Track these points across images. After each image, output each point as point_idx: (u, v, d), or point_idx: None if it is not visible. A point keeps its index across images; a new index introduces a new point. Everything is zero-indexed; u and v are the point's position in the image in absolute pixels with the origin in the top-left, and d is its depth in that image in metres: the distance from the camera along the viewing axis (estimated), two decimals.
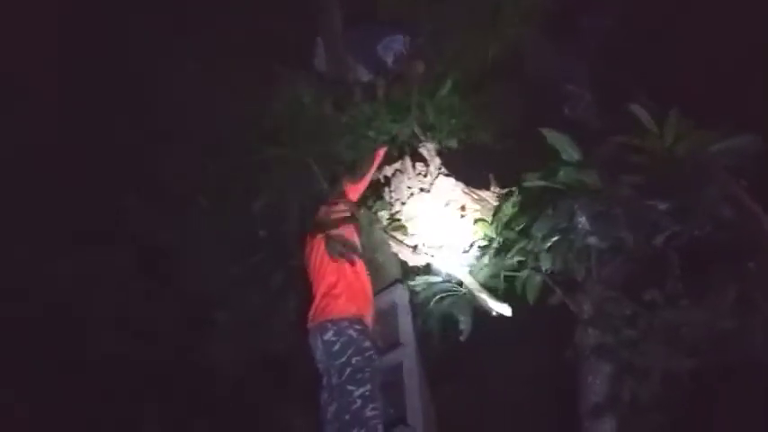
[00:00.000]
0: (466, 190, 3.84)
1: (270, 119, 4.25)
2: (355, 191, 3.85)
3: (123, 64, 5.27)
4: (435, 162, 3.96)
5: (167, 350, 4.44)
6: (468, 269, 3.64)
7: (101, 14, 5.41)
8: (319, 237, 3.55)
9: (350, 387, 3.22)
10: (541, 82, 4.47)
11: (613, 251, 3.19)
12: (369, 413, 3.16)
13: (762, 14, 4.13)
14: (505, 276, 3.57)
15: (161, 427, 4.46)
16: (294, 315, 4.16)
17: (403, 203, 3.87)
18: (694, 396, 3.21)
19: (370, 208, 4.01)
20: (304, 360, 3.59)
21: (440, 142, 4.09)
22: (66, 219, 4.79)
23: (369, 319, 3.52)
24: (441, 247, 3.71)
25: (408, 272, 3.90)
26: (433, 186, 3.85)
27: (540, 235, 3.30)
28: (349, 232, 3.65)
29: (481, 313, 3.58)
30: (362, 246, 3.72)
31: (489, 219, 3.72)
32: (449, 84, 4.08)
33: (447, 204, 3.78)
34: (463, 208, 3.75)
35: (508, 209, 3.63)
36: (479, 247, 3.69)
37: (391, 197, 3.94)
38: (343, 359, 3.28)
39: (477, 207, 3.76)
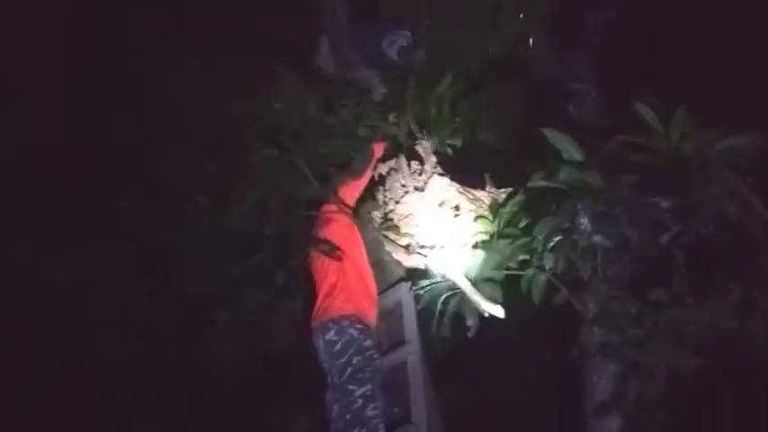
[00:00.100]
0: (461, 189, 3.82)
1: (265, 119, 4.24)
2: (355, 188, 3.85)
3: (123, 64, 5.25)
4: (431, 161, 3.94)
5: (168, 350, 4.42)
6: (462, 270, 3.62)
7: (101, 14, 5.41)
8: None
9: (351, 387, 3.24)
10: (544, 80, 4.48)
11: (618, 250, 3.18)
12: (370, 413, 3.18)
13: (763, 11, 4.14)
14: (508, 275, 3.56)
15: (161, 427, 4.44)
16: (295, 315, 4.15)
17: (397, 202, 3.85)
18: (699, 395, 3.21)
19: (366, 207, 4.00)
20: (305, 360, 3.61)
21: (443, 141, 4.08)
22: (66, 219, 4.77)
23: (371, 319, 3.54)
24: (434, 247, 3.69)
25: (412, 274, 3.89)
26: (428, 185, 3.83)
27: (541, 235, 3.31)
28: (344, 234, 3.67)
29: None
30: (367, 245, 3.73)
31: (483, 219, 3.70)
32: (449, 78, 4.07)
33: (441, 204, 3.75)
34: (457, 208, 3.73)
35: (509, 207, 3.62)
36: (478, 242, 3.67)
37: (385, 195, 3.92)
38: (345, 359, 3.31)
39: (473, 207, 3.74)
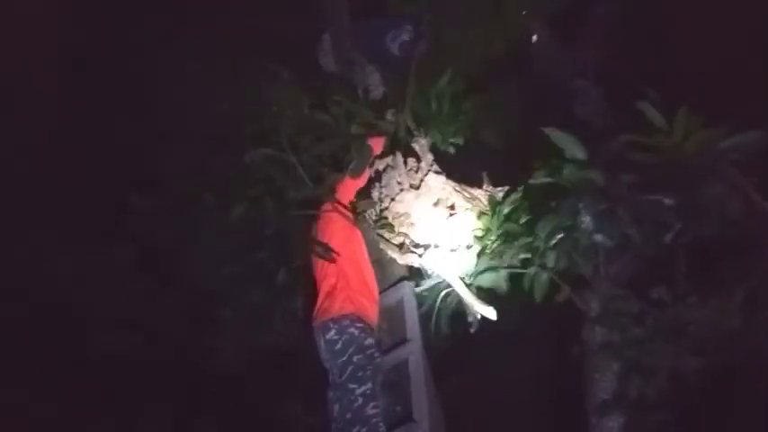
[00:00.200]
0: (457, 188, 3.82)
1: (262, 118, 4.24)
2: (354, 187, 3.84)
3: (123, 64, 5.25)
4: (427, 158, 3.92)
5: (168, 350, 4.42)
6: (455, 270, 3.62)
7: (100, 14, 5.40)
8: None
9: (351, 385, 3.23)
10: (546, 77, 4.48)
11: (620, 248, 3.18)
12: (370, 411, 3.18)
13: (766, 8, 4.15)
14: (509, 274, 3.55)
15: (161, 427, 4.43)
16: (297, 313, 4.16)
17: (392, 199, 3.83)
18: (700, 394, 3.21)
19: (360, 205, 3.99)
20: (308, 359, 3.61)
21: (446, 138, 4.07)
22: (65, 218, 4.76)
23: (372, 318, 3.54)
24: (428, 246, 3.69)
25: (414, 273, 3.89)
26: (423, 183, 3.82)
27: (543, 234, 3.30)
28: (345, 233, 3.67)
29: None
30: (368, 243, 3.73)
31: (483, 216, 3.70)
32: (449, 73, 4.07)
33: (436, 202, 3.75)
34: (452, 207, 3.72)
35: (507, 205, 3.61)
36: (475, 240, 3.67)
37: (381, 192, 3.90)
38: (345, 357, 3.31)
39: (468, 206, 3.74)
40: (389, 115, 4.06)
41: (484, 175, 3.86)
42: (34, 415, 4.25)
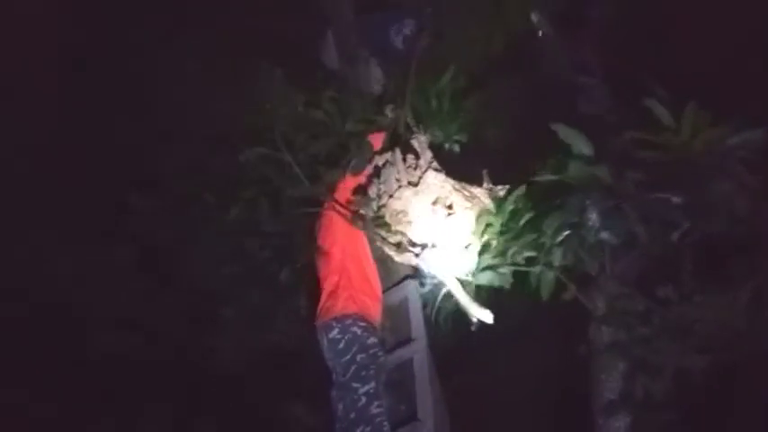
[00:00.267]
0: (457, 186, 3.75)
1: (257, 117, 4.23)
2: (354, 183, 3.83)
3: (123, 63, 5.24)
4: (426, 155, 3.85)
5: (168, 349, 4.40)
6: (453, 270, 3.58)
7: (100, 14, 5.39)
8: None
9: (355, 384, 3.21)
10: (550, 75, 4.48)
11: (627, 246, 3.17)
12: (374, 410, 3.16)
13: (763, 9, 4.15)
14: (514, 272, 3.54)
15: (161, 427, 4.41)
16: (300, 313, 4.15)
17: (390, 196, 3.76)
18: (707, 392, 3.21)
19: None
20: (311, 358, 3.59)
21: (449, 136, 4.06)
22: (65, 218, 4.75)
23: (376, 317, 3.52)
24: (426, 245, 3.63)
25: (419, 273, 3.87)
26: (422, 180, 3.74)
27: (549, 231, 3.29)
28: (347, 232, 3.66)
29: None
30: (371, 242, 3.71)
31: (483, 215, 3.67)
32: (451, 70, 4.05)
33: (435, 201, 3.68)
34: (451, 207, 3.69)
35: (509, 203, 3.59)
36: (476, 239, 3.64)
37: (379, 189, 3.82)
38: (348, 356, 3.29)
39: (468, 205, 3.69)
40: (389, 111, 4.04)
41: (484, 173, 3.83)
42: (34, 415, 4.23)
